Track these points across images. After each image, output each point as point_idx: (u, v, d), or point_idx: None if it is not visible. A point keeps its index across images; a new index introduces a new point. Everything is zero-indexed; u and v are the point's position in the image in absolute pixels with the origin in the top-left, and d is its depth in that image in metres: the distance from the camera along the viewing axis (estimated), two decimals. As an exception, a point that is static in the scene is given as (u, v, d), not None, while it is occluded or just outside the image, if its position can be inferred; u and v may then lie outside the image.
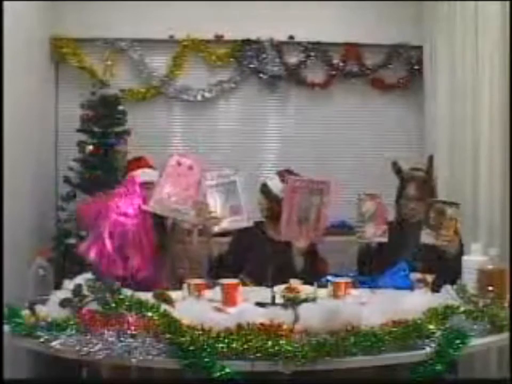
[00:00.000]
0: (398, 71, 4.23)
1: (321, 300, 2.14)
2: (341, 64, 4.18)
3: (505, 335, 1.99)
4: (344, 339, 1.80)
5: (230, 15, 4.01)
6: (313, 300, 2.12)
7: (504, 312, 2.03)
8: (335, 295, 2.26)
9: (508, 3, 3.05)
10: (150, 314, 1.83)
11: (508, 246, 2.94)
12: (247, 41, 4.10)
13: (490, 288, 2.13)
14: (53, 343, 1.83)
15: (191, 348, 1.75)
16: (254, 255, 2.83)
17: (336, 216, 3.56)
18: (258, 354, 1.76)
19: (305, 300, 2.10)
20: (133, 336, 1.79)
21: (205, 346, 1.75)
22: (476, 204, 3.28)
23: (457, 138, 3.54)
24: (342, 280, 2.31)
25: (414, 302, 2.06)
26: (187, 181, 2.65)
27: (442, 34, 3.73)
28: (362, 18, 4.13)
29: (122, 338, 1.78)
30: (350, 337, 1.81)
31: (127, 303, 1.86)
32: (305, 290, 2.23)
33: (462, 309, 2.00)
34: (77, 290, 1.97)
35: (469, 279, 2.25)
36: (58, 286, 2.13)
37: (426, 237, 2.59)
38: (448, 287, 2.24)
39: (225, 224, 2.77)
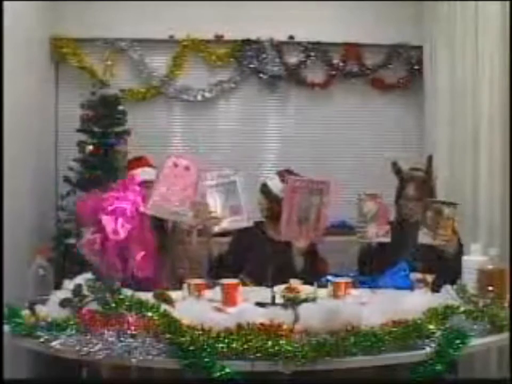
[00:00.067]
0: (398, 71, 4.23)
1: (321, 300, 2.14)
2: (341, 64, 4.18)
3: (505, 335, 1.99)
4: (344, 339, 1.80)
5: (230, 15, 4.01)
6: (313, 300, 2.12)
7: (504, 312, 2.03)
8: (335, 295, 2.26)
9: (507, 3, 3.05)
10: (150, 314, 1.83)
11: (508, 246, 2.94)
12: (247, 41, 4.10)
13: (490, 288, 2.13)
14: (53, 343, 1.83)
15: (191, 348, 1.75)
16: (254, 255, 2.83)
17: (336, 216, 3.56)
18: (258, 354, 1.76)
19: (305, 300, 2.10)
20: (133, 336, 1.79)
21: (205, 346, 1.75)
22: (476, 203, 3.29)
23: (457, 138, 3.54)
24: (342, 280, 2.31)
25: (414, 302, 2.06)
26: (184, 182, 2.65)
27: (442, 34, 3.73)
28: (362, 18, 4.13)
29: (122, 338, 1.78)
30: (350, 337, 1.81)
31: (127, 303, 1.86)
32: (305, 290, 2.23)
33: (462, 309, 2.00)
34: (77, 290, 1.97)
35: (469, 279, 2.25)
36: (58, 286, 2.13)
37: (424, 237, 2.60)
38: (448, 287, 2.24)
39: (225, 224, 2.77)
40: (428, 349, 1.86)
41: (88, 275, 2.09)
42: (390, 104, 4.29)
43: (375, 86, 4.26)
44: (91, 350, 1.78)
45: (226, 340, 1.78)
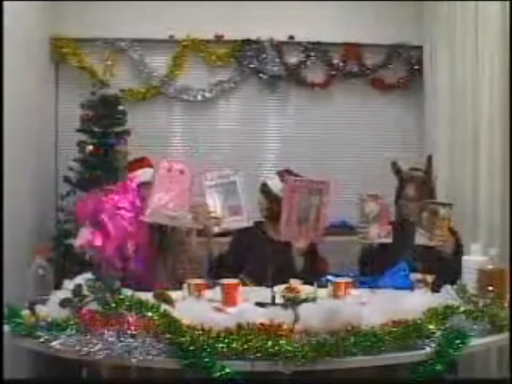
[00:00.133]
0: (398, 71, 4.23)
1: (321, 300, 2.14)
2: (341, 64, 4.18)
3: (505, 335, 1.99)
4: (344, 339, 1.80)
5: (230, 15, 4.02)
6: (313, 300, 2.12)
7: (504, 312, 2.03)
8: (335, 295, 2.26)
9: (507, 3, 3.05)
10: (150, 314, 1.83)
11: (508, 246, 2.94)
12: (247, 41, 4.10)
13: (490, 288, 2.13)
14: (53, 343, 1.83)
15: (191, 348, 1.75)
16: (254, 255, 2.83)
17: (336, 216, 3.57)
18: (258, 354, 1.76)
19: (305, 300, 2.10)
20: (133, 336, 1.79)
21: (205, 346, 1.75)
22: (476, 204, 3.29)
23: (457, 138, 3.54)
24: (342, 280, 2.31)
25: (414, 302, 2.06)
26: (180, 186, 2.65)
27: (442, 34, 3.73)
28: (362, 18, 4.13)
29: (122, 338, 1.78)
30: (350, 337, 1.81)
31: (127, 303, 1.86)
32: (305, 290, 2.23)
33: (462, 309, 2.00)
34: (77, 290, 1.97)
35: (469, 279, 2.25)
36: (58, 286, 2.13)
37: (421, 238, 2.61)
38: (448, 287, 2.24)
39: (225, 224, 2.77)
40: (427, 349, 1.86)
41: (88, 275, 2.09)
42: (390, 104, 4.29)
43: (375, 86, 4.26)
44: (91, 350, 1.78)
45: (226, 340, 1.78)
